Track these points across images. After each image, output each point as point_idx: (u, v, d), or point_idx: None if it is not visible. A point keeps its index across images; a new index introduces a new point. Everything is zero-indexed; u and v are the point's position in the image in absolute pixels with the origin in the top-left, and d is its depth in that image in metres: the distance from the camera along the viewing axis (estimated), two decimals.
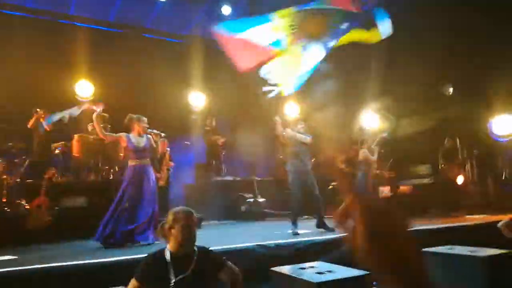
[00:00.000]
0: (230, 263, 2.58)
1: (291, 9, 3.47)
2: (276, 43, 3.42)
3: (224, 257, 2.62)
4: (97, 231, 4.88)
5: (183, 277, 2.35)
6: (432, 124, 8.85)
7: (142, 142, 5.23)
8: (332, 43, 3.53)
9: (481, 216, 6.82)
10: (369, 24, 3.68)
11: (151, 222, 4.94)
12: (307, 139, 5.85)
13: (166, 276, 2.35)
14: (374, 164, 7.30)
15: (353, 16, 3.58)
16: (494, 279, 3.43)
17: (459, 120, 9.28)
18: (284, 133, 5.91)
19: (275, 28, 3.44)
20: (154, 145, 5.43)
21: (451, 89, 9.69)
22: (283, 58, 3.41)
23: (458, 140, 9.46)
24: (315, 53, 3.47)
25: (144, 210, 4.98)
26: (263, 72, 3.39)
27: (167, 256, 2.43)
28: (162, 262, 2.41)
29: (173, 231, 2.46)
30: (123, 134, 5.24)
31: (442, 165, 7.57)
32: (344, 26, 3.55)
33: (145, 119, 5.40)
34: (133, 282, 2.38)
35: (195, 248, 2.52)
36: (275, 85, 3.53)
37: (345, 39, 3.61)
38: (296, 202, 5.69)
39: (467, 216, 6.92)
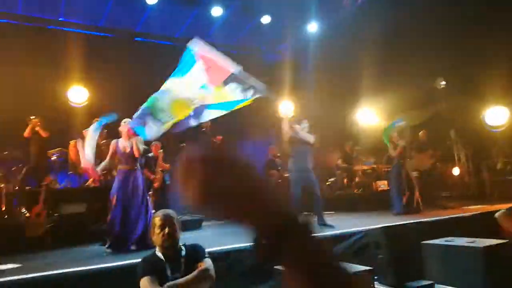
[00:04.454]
0: (209, 261, 2.58)
1: None
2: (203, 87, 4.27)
3: (207, 255, 2.63)
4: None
5: (180, 275, 2.42)
6: (426, 117, 8.94)
7: (128, 147, 5.24)
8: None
9: (478, 206, 6.91)
10: None
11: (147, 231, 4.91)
12: (311, 138, 5.90)
13: (164, 273, 2.44)
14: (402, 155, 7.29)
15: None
16: (491, 269, 3.49)
17: (452, 113, 9.37)
18: (290, 130, 5.90)
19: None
20: (136, 149, 5.33)
21: (443, 83, 9.77)
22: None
23: (452, 132, 9.55)
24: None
25: (138, 217, 5.01)
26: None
27: (160, 256, 2.54)
28: (158, 260, 2.52)
29: (154, 235, 2.58)
30: (113, 141, 5.30)
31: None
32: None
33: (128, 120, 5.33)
34: (143, 281, 2.41)
35: (182, 248, 2.58)
36: None
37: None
38: (296, 200, 5.75)
39: (465, 207, 7.00)
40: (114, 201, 4.96)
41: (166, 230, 2.52)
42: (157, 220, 2.56)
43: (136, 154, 5.21)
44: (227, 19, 10.32)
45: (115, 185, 5.10)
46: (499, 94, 8.69)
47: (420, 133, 8.43)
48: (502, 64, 7.58)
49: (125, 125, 5.28)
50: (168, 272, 2.44)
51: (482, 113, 9.23)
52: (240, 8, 10.18)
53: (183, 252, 2.56)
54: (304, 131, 5.90)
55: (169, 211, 2.66)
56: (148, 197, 5.37)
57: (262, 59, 12.58)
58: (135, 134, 5.23)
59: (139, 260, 2.63)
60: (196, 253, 2.61)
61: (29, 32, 9.26)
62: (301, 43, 11.42)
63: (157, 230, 2.54)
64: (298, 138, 5.85)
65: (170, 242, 2.53)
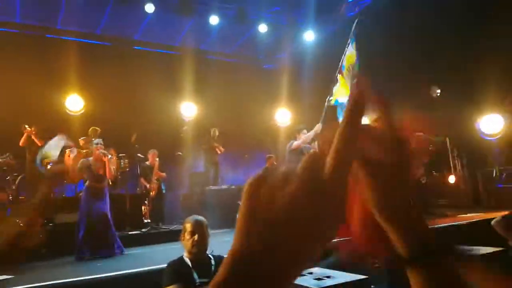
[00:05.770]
0: None
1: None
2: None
3: None
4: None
5: (208, 281, 2.43)
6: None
7: (101, 168, 5.49)
8: None
9: (474, 214, 6.90)
10: None
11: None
12: (310, 150, 6.03)
13: (191, 277, 2.49)
14: None
15: None
16: None
17: (447, 121, 9.39)
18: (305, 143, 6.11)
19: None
20: (109, 171, 5.51)
21: (438, 91, 9.81)
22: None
23: (447, 140, 9.57)
24: None
25: (106, 230, 5.26)
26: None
27: (187, 261, 2.58)
28: (184, 266, 2.56)
29: (183, 239, 2.61)
30: (83, 160, 5.61)
31: None
32: None
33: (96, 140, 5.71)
34: None
35: (211, 256, 2.63)
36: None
37: None
38: None
39: (461, 215, 6.99)
40: (83, 217, 5.15)
41: (196, 237, 2.55)
42: (188, 226, 2.60)
43: (109, 176, 5.38)
44: (224, 28, 10.37)
45: (84, 200, 5.29)
46: (494, 102, 8.73)
47: None
48: (498, 71, 7.63)
49: (97, 147, 5.39)
50: (195, 277, 2.48)
51: (478, 121, 9.27)
52: (237, 16, 10.23)
53: (213, 261, 2.60)
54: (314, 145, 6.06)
55: (201, 218, 2.70)
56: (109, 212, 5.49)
57: (259, 68, 12.63)
58: (106, 156, 5.37)
59: (165, 265, 2.65)
60: None
61: (27, 41, 9.25)
62: (298, 52, 11.47)
63: (187, 236, 2.58)
64: (298, 149, 5.96)
65: (199, 249, 2.57)
